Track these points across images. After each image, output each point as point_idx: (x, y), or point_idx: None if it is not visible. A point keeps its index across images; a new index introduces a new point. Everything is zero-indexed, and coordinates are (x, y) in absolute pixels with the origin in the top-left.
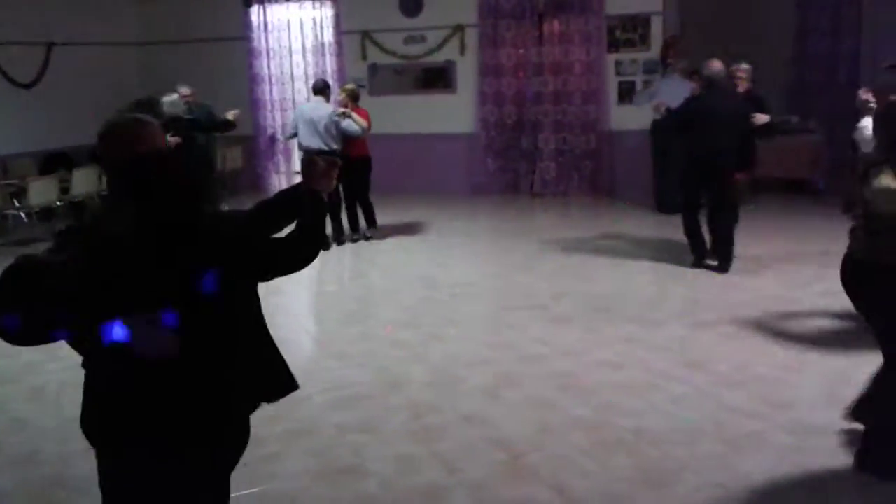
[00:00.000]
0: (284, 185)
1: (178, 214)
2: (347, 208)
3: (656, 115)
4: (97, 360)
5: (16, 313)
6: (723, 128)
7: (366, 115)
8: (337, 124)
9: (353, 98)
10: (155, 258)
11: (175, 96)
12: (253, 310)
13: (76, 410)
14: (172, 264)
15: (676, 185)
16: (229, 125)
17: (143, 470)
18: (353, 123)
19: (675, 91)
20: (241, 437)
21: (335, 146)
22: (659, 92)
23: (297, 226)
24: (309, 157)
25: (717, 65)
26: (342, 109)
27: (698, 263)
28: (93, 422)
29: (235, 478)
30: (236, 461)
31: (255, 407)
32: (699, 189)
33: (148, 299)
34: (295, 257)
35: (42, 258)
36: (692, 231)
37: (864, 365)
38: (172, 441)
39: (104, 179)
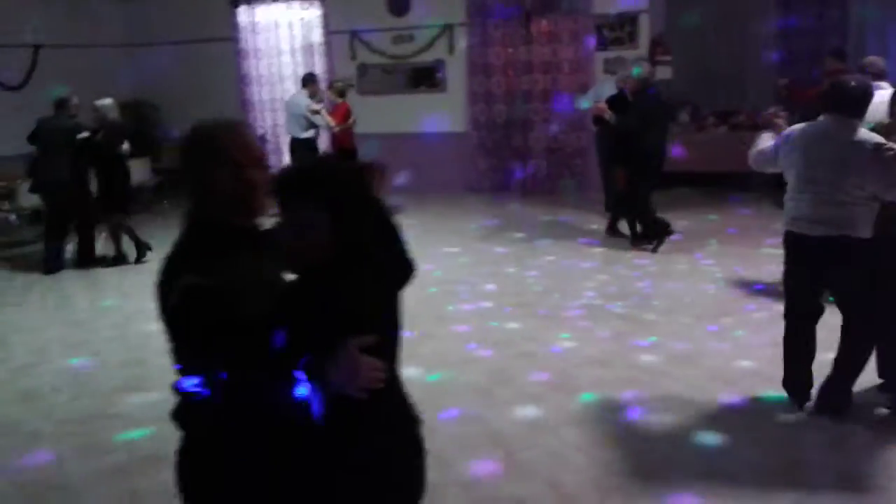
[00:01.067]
0: None
1: (367, 231)
2: None
3: (606, 117)
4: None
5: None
6: (668, 124)
7: (342, 113)
8: (307, 117)
9: (339, 94)
10: (353, 281)
11: (109, 100)
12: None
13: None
14: (366, 287)
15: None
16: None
17: None
18: (321, 119)
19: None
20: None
21: (307, 135)
22: (600, 94)
23: None
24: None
25: (650, 66)
26: (315, 107)
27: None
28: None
29: None
30: None
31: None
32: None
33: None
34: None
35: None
36: (655, 216)
37: None
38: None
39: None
